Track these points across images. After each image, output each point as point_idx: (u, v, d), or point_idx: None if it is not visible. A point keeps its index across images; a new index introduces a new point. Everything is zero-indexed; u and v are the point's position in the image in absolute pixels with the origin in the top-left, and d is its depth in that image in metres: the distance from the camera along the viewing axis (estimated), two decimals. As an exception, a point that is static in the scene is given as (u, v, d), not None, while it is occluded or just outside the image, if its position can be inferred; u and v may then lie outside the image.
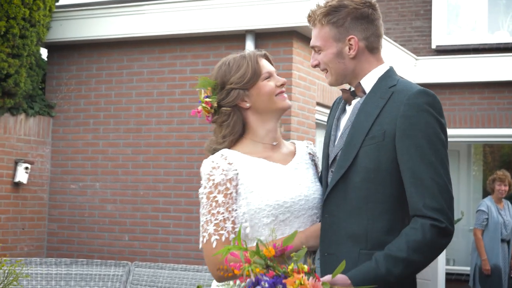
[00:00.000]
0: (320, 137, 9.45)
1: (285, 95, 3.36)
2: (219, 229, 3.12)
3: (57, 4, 9.62)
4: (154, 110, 9.18)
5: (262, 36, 8.69)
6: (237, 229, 3.11)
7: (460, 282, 13.27)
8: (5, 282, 5.86)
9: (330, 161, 3.21)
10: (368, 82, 3.17)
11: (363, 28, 3.15)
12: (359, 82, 3.18)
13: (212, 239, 3.13)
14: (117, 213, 9.26)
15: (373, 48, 3.19)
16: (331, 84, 3.27)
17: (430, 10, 13.82)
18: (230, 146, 3.32)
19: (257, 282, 2.55)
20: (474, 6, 13.83)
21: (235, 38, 8.79)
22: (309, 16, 3.25)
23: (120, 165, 9.31)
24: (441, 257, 11.22)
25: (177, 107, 9.02)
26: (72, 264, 8.03)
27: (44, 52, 10.18)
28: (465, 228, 15.22)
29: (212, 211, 3.15)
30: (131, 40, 9.35)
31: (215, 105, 3.31)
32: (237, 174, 3.18)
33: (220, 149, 3.30)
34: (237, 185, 3.18)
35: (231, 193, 3.16)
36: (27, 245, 9.30)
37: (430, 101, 2.98)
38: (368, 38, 3.16)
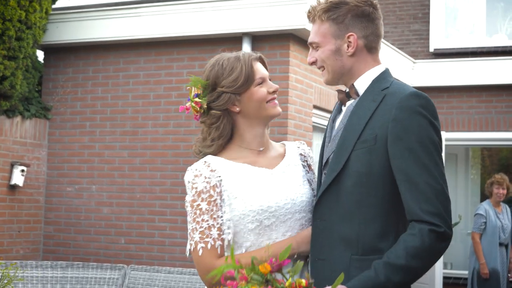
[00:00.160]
0: (317, 140, 9.43)
1: (277, 101, 3.33)
2: (205, 236, 3.10)
3: (53, 6, 9.61)
4: (150, 112, 9.16)
5: (259, 39, 8.67)
6: (223, 236, 3.09)
7: (458, 286, 13.25)
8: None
9: (323, 163, 3.18)
10: (362, 83, 3.13)
11: (363, 26, 3.12)
12: (353, 84, 3.15)
13: (198, 247, 3.10)
14: (113, 216, 9.24)
15: (371, 48, 3.15)
16: (327, 83, 3.24)
17: (428, 13, 13.81)
18: (218, 150, 3.28)
19: None
20: (472, 10, 13.82)
21: (232, 41, 8.77)
22: (309, 12, 3.21)
23: (117, 168, 9.29)
24: (439, 261, 11.19)
25: (174, 109, 9.00)
26: (68, 267, 8.02)
27: (40, 54, 10.17)
28: (463, 231, 15.19)
29: (197, 219, 3.12)
30: (127, 42, 9.33)
31: (205, 106, 3.27)
32: (221, 180, 3.15)
33: (209, 152, 3.28)
34: (221, 191, 3.14)
35: (215, 200, 3.13)
36: (23, 248, 9.27)
37: (422, 103, 2.93)
38: (367, 37, 3.13)
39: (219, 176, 3.16)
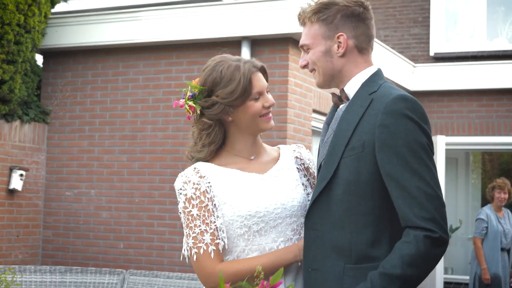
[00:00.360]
0: (316, 144, 9.41)
1: (271, 115, 3.29)
2: (197, 242, 3.09)
3: (52, 10, 9.60)
4: (149, 116, 9.14)
5: (258, 43, 8.66)
6: (217, 241, 3.08)
7: (458, 291, 13.22)
8: (-4, 290, 5.83)
9: (317, 169, 3.16)
10: (352, 87, 3.09)
11: (353, 26, 3.09)
12: (343, 88, 3.11)
13: (192, 252, 3.10)
14: (112, 220, 9.22)
15: (362, 48, 3.12)
16: (319, 86, 3.20)
17: (428, 17, 13.80)
18: (209, 156, 3.27)
19: None
20: (473, 13, 13.81)
21: (231, 45, 8.74)
22: (299, 14, 3.18)
23: (116, 172, 9.27)
24: (439, 266, 11.17)
25: (173, 114, 8.98)
26: (67, 272, 7.99)
27: (39, 58, 10.16)
28: (463, 236, 15.17)
29: (190, 225, 3.11)
30: (126, 46, 9.32)
31: (198, 112, 3.24)
32: (211, 186, 3.14)
33: (200, 157, 3.26)
34: (212, 197, 3.13)
35: (206, 206, 3.11)
36: (21, 253, 9.24)
37: (409, 106, 2.87)
38: (357, 37, 3.09)
39: (209, 182, 3.14)
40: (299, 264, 3.14)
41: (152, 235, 8.99)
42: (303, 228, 3.12)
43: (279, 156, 3.37)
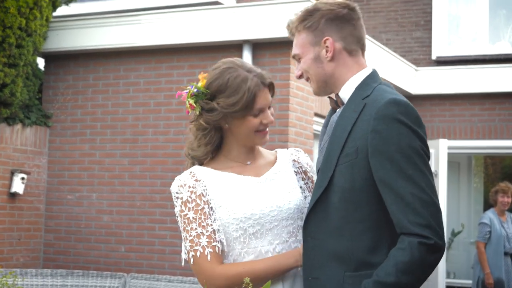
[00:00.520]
0: (317, 148, 9.39)
1: (267, 130, 3.26)
2: (194, 245, 3.08)
3: (54, 14, 9.60)
4: (150, 120, 9.14)
5: (260, 47, 8.65)
6: (213, 244, 3.07)
7: (461, 295, 13.21)
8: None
9: (317, 175, 3.13)
10: (346, 92, 3.06)
11: (339, 29, 3.06)
12: (337, 94, 3.09)
13: (190, 255, 3.10)
14: (114, 224, 9.21)
15: (351, 50, 3.07)
16: (315, 93, 3.18)
17: (431, 20, 13.79)
18: (205, 156, 3.27)
19: None
20: (475, 17, 13.80)
21: (233, 48, 8.74)
22: (287, 26, 3.18)
23: (117, 176, 9.27)
24: (441, 270, 11.14)
25: (174, 117, 8.97)
26: (68, 275, 8.00)
27: (40, 62, 10.16)
28: (465, 240, 15.16)
29: (186, 228, 3.11)
30: (127, 50, 9.32)
31: (197, 112, 3.23)
32: (207, 189, 3.14)
33: (196, 156, 3.26)
34: (208, 200, 3.13)
35: (202, 209, 3.11)
36: (23, 256, 9.24)
37: (401, 110, 2.82)
38: (345, 39, 3.06)
39: (205, 186, 3.14)
40: (299, 269, 3.12)
41: (154, 239, 8.98)
42: (302, 235, 3.09)
43: (276, 160, 3.36)
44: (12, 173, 9.00)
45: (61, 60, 9.75)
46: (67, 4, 10.12)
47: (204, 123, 3.20)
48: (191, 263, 3.09)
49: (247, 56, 8.53)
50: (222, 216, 3.11)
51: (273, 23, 8.47)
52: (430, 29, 13.77)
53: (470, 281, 12.40)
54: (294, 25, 3.13)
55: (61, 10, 10.45)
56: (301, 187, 3.33)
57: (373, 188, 2.84)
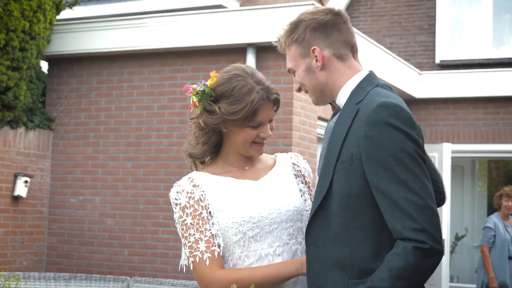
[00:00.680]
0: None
1: (264, 142, 3.25)
2: (193, 250, 3.08)
3: (57, 17, 9.59)
4: (154, 123, 9.13)
5: (263, 50, 8.64)
6: (212, 248, 3.07)
7: (464, 299, 13.19)
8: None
9: None
10: (342, 98, 3.03)
11: (324, 36, 3.03)
12: (334, 101, 3.07)
13: (189, 261, 3.10)
14: (117, 227, 9.20)
15: (341, 55, 3.04)
16: (315, 104, 3.17)
17: (434, 24, 13.79)
18: (202, 155, 3.27)
19: None
20: (479, 21, 13.79)
21: (236, 52, 8.74)
22: (277, 43, 3.17)
23: (120, 179, 9.26)
24: (445, 274, 11.13)
25: (178, 120, 8.97)
26: (71, 279, 7.99)
27: (44, 65, 10.16)
28: (469, 244, 15.15)
29: (185, 234, 3.11)
30: (131, 53, 9.31)
31: (198, 111, 3.22)
32: (205, 194, 3.14)
33: (195, 154, 3.27)
34: (206, 205, 3.13)
35: (200, 214, 3.11)
36: (26, 259, 9.23)
37: (391, 113, 2.77)
38: (332, 45, 3.03)
39: (203, 191, 3.14)
40: (299, 277, 3.11)
41: (157, 242, 8.97)
42: (304, 244, 3.07)
43: (275, 163, 3.35)
44: (15, 176, 9.00)
45: (64, 63, 9.75)
46: (70, 7, 10.12)
47: (202, 124, 3.19)
48: (191, 268, 3.09)
49: (251, 60, 8.52)
50: (221, 221, 3.11)
51: (277, 27, 8.46)
52: (434, 33, 13.77)
53: (473, 285, 12.38)
54: (283, 40, 3.12)
55: (65, 13, 10.45)
56: (300, 190, 3.33)
57: (371, 194, 2.80)
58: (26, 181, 9.04)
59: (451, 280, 13.23)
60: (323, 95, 3.08)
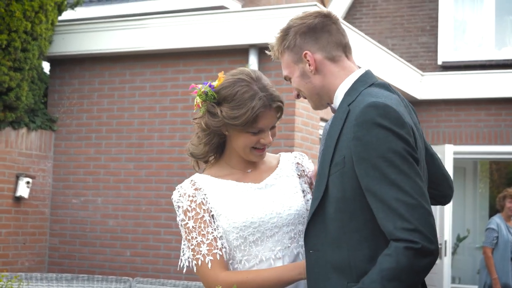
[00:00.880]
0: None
1: (265, 147, 3.23)
2: (196, 254, 3.10)
3: (59, 17, 9.59)
4: (156, 124, 9.13)
5: (266, 51, 8.62)
6: (214, 251, 3.08)
7: (466, 301, 13.18)
8: (1, 298, 5.81)
9: None
10: (338, 100, 3.01)
11: (314, 40, 3.02)
12: (329, 104, 3.06)
13: (192, 264, 3.13)
14: (119, 228, 9.20)
15: (334, 57, 3.02)
16: (315, 108, 3.16)
17: (436, 26, 13.78)
18: (203, 156, 3.28)
19: None
20: (481, 22, 13.78)
21: (239, 53, 8.73)
22: (271, 51, 3.16)
23: (122, 180, 9.26)
24: (447, 275, 11.12)
25: (180, 121, 8.97)
26: (73, 279, 7.97)
27: (46, 66, 10.16)
28: (471, 246, 15.14)
29: (188, 237, 3.13)
30: (133, 54, 9.31)
31: (201, 112, 3.22)
32: (207, 198, 3.14)
33: (195, 153, 3.28)
34: (209, 208, 3.14)
35: (202, 217, 3.12)
36: (28, 260, 9.23)
37: (380, 113, 2.73)
38: (323, 48, 3.02)
39: (205, 194, 3.15)
40: (299, 283, 3.11)
41: (159, 243, 8.97)
42: (304, 249, 3.05)
43: (278, 164, 3.34)
44: (17, 177, 8.99)
45: (66, 64, 9.74)
46: (72, 8, 10.12)
47: (204, 125, 3.19)
48: (195, 271, 3.12)
49: (253, 60, 8.52)
50: (222, 225, 3.12)
51: (279, 28, 8.45)
52: (436, 35, 13.76)
53: (475, 287, 12.37)
54: (276, 49, 3.11)
55: (67, 14, 10.45)
56: (304, 191, 3.32)
57: (364, 196, 2.77)
58: (28, 182, 9.04)
59: (453, 281, 13.22)
60: (321, 99, 3.07)
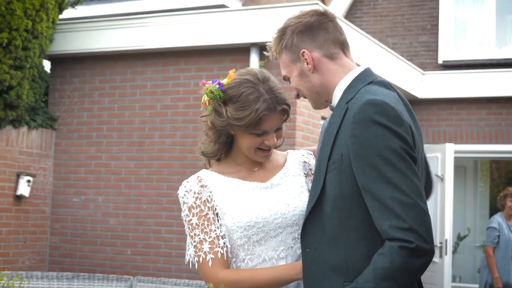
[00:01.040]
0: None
1: (270, 148, 3.21)
2: (197, 251, 3.11)
3: (60, 16, 9.58)
4: (157, 123, 9.12)
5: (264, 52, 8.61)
6: (216, 249, 3.08)
7: (467, 300, 13.18)
8: (3, 297, 5.80)
9: None
10: (337, 98, 2.99)
11: (311, 38, 3.01)
12: (329, 102, 3.05)
13: (194, 260, 3.14)
14: (120, 227, 9.19)
15: (331, 55, 3.01)
16: (314, 108, 3.15)
17: (437, 25, 13.77)
18: (213, 154, 3.27)
19: None
20: (482, 21, 13.78)
21: (240, 51, 8.73)
22: (269, 52, 3.15)
23: (123, 179, 9.25)
24: (447, 274, 11.11)
25: (181, 120, 8.96)
26: (74, 278, 7.97)
27: (47, 64, 10.15)
28: (471, 244, 15.14)
29: (191, 234, 3.14)
30: (134, 52, 9.31)
31: (207, 111, 3.22)
32: (212, 195, 3.15)
33: (207, 153, 3.27)
34: (213, 206, 3.14)
35: (206, 215, 3.12)
36: (28, 259, 9.23)
37: (378, 111, 2.70)
38: (321, 46, 3.01)
39: (211, 192, 3.15)
40: (300, 282, 3.10)
41: (160, 242, 8.96)
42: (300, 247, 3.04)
43: (285, 162, 3.32)
44: (18, 176, 8.99)
45: (67, 62, 9.74)
46: (73, 7, 10.12)
47: (210, 123, 3.20)
48: (196, 267, 3.13)
49: (254, 59, 8.51)
50: (227, 224, 3.12)
51: (280, 26, 8.44)
52: (437, 33, 13.76)
53: (476, 285, 12.37)
54: (273, 49, 3.10)
55: (68, 13, 10.45)
56: (309, 190, 3.26)
57: (361, 194, 2.75)
58: (28, 181, 9.03)
59: (453, 280, 13.21)
60: (320, 98, 3.06)
